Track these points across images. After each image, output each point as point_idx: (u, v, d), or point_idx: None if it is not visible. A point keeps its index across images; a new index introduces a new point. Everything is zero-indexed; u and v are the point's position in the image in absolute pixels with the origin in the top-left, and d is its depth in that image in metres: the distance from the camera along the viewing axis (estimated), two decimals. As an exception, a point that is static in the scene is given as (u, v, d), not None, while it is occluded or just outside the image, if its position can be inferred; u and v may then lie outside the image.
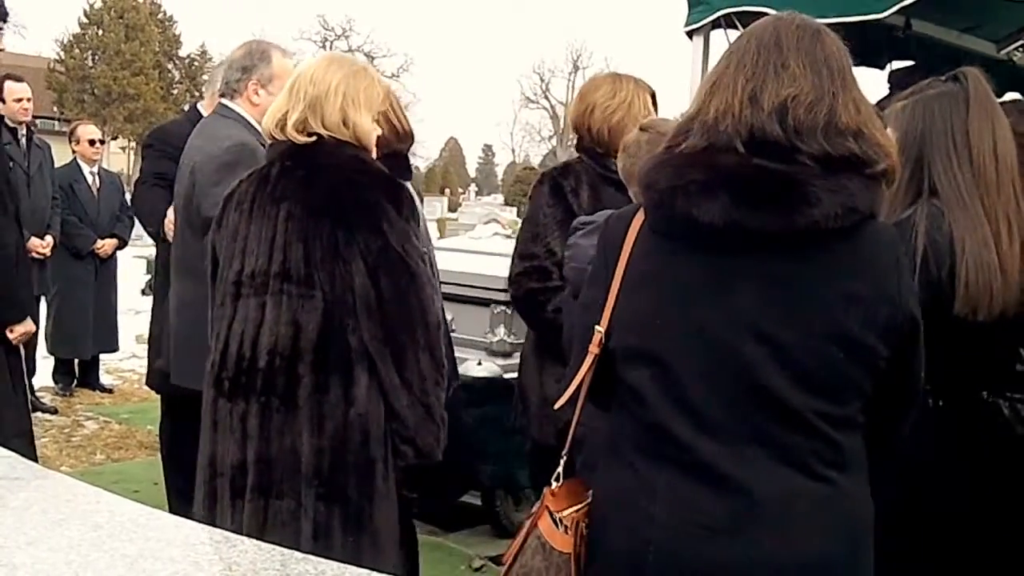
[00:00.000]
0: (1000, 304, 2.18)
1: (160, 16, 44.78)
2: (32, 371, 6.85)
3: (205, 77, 45.72)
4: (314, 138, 2.42)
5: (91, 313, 7.17)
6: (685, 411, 1.64)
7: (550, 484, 1.87)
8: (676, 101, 4.48)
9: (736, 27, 3.91)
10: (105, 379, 7.82)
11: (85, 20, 42.23)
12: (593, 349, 1.75)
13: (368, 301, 2.33)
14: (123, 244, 7.43)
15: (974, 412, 2.29)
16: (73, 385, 7.51)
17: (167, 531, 1.60)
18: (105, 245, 7.22)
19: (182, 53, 46.05)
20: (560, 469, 1.87)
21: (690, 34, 4.54)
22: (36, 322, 5.85)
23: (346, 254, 2.33)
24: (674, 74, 5.82)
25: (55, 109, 39.27)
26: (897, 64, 4.92)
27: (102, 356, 7.73)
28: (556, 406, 1.82)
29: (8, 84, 6.45)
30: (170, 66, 45.23)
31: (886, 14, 3.34)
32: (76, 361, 7.55)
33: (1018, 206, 2.26)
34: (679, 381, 1.65)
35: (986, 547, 2.28)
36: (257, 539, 1.66)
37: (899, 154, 2.34)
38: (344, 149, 2.44)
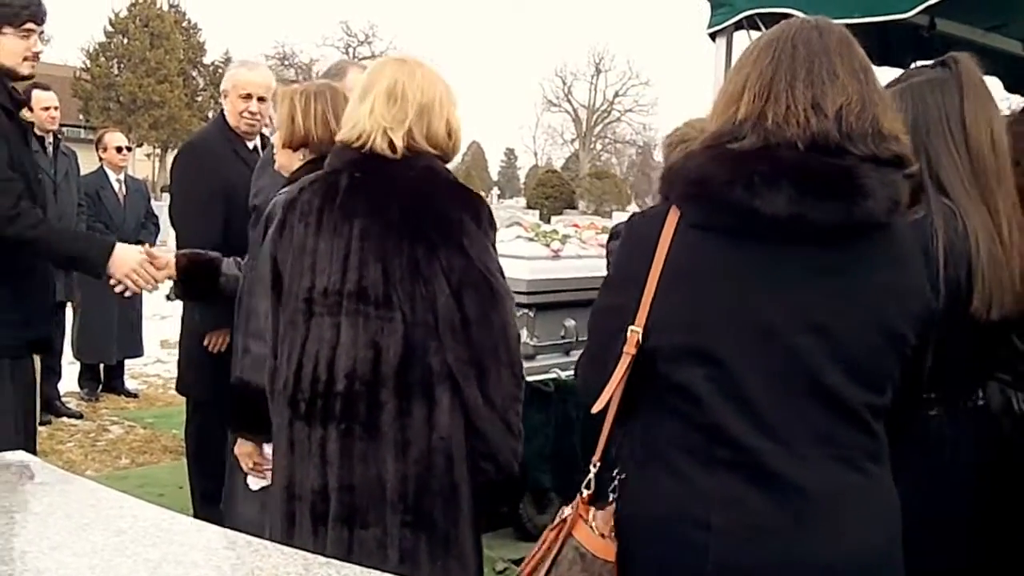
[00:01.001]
0: (1009, 303, 2.16)
1: (185, 24, 45.16)
2: (58, 376, 6.93)
3: (229, 84, 45.97)
4: (398, 155, 2.30)
5: (116, 319, 7.22)
6: (743, 409, 1.63)
7: (581, 492, 1.81)
8: (698, 103, 4.46)
9: (759, 28, 3.89)
10: (130, 384, 7.88)
11: (111, 29, 42.64)
12: (630, 350, 1.70)
13: (452, 322, 2.25)
14: (148, 250, 7.46)
15: (985, 412, 2.27)
16: (98, 390, 7.57)
17: (190, 536, 1.60)
18: (130, 252, 7.25)
19: (206, 60, 46.40)
20: (592, 475, 1.82)
21: (713, 36, 4.52)
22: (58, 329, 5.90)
23: (427, 273, 2.25)
24: (696, 76, 5.81)
25: (81, 117, 39.65)
26: (921, 63, 4.87)
27: (127, 361, 7.79)
28: (593, 410, 1.75)
29: (36, 93, 6.50)
30: (195, 73, 45.60)
31: (911, 14, 3.31)
32: (101, 366, 7.61)
33: (1015, 199, 2.21)
34: (735, 378, 1.63)
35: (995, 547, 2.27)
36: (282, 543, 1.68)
37: None
38: (418, 160, 2.33)
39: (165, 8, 43.97)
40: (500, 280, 2.33)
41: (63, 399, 7.04)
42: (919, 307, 1.72)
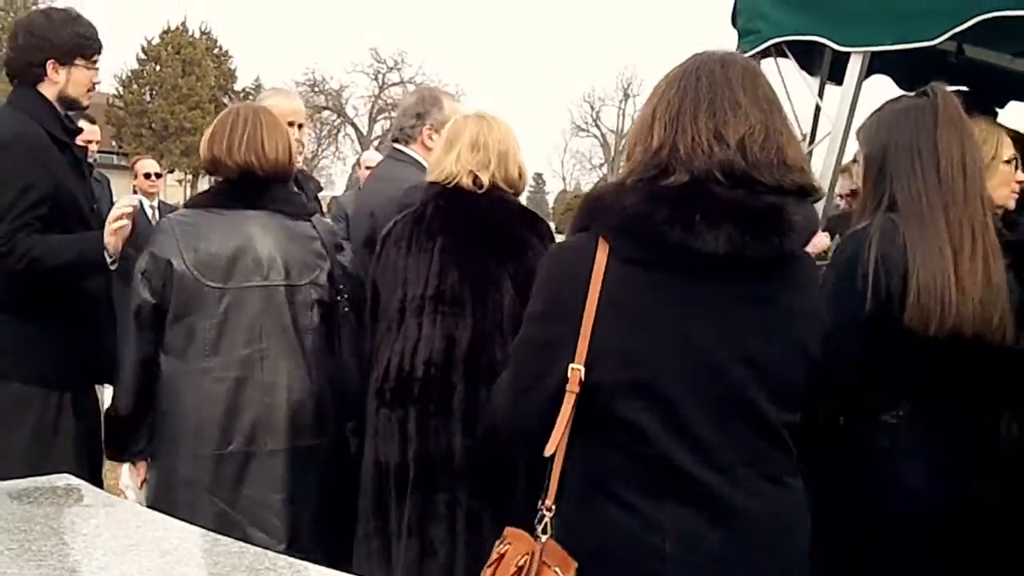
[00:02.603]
0: (953, 318, 2.16)
1: (216, 51, 45.65)
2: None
3: (259, 110, 46.26)
4: (482, 190, 2.78)
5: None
6: (685, 440, 1.67)
7: (538, 537, 1.76)
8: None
9: (787, 56, 3.90)
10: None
11: (143, 56, 43.22)
12: (573, 389, 1.70)
13: (515, 316, 2.55)
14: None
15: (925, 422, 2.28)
16: (132, 412, 7.59)
17: (232, 556, 1.63)
18: (162, 277, 7.30)
19: (237, 87, 46.82)
20: (547, 520, 1.77)
21: (740, 63, 4.52)
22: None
23: (496, 277, 2.72)
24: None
25: (113, 143, 40.12)
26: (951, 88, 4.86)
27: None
28: (546, 453, 1.73)
29: (81, 124, 6.58)
30: (226, 100, 45.88)
31: (939, 40, 3.31)
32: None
33: (985, 222, 2.25)
34: (678, 410, 1.67)
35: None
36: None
37: (865, 168, 2.37)
38: (493, 192, 2.80)
39: (197, 36, 44.51)
40: None
41: (97, 422, 7.09)
42: (820, 327, 1.83)
